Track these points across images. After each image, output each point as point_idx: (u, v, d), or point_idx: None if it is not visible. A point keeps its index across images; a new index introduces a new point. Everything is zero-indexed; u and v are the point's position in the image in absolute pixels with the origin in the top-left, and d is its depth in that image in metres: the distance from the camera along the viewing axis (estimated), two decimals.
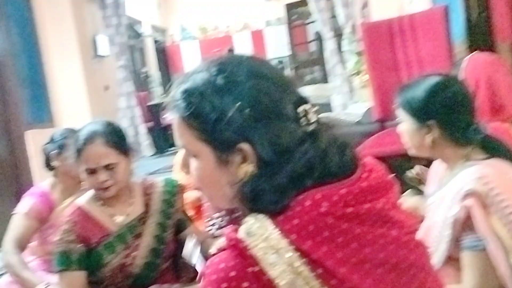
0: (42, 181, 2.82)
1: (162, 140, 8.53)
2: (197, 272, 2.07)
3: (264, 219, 0.85)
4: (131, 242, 1.98)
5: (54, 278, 2.42)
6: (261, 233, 0.84)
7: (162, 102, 5.43)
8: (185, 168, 0.97)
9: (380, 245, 0.87)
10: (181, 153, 3.30)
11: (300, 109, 0.90)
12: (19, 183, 4.86)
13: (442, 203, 1.59)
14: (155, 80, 10.87)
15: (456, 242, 1.52)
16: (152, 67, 11.02)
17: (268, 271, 0.82)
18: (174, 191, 2.12)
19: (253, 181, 0.87)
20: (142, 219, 2.03)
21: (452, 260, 1.53)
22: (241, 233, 0.85)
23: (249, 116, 0.87)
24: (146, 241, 2.00)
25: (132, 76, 7.94)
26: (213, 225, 2.22)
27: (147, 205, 2.05)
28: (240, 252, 0.84)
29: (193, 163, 0.95)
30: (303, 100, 0.92)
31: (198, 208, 2.54)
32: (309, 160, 0.87)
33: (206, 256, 2.04)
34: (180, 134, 0.94)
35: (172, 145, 9.23)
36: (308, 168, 0.87)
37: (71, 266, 1.92)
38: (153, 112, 8.48)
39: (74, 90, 5.97)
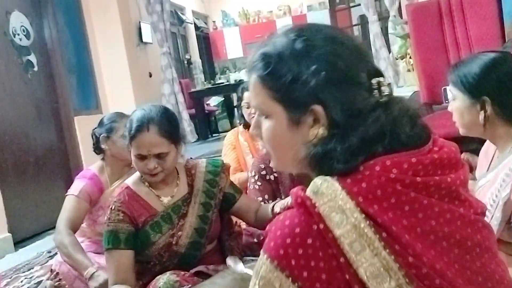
0: (90, 165, 2.90)
1: (204, 126, 8.61)
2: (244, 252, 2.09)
3: (332, 180, 0.87)
4: (176, 222, 2.02)
5: (103, 260, 2.50)
6: (328, 193, 0.85)
7: (205, 89, 5.54)
8: (257, 130, 0.99)
9: (446, 220, 0.87)
10: (234, 132, 3.38)
11: (374, 80, 0.91)
12: (68, 167, 5.01)
13: (493, 185, 1.54)
14: (197, 67, 10.96)
15: (506, 225, 1.48)
16: (194, 54, 11.11)
17: (333, 230, 0.84)
18: (217, 171, 2.14)
19: (323, 143, 0.89)
20: (186, 199, 2.06)
21: (502, 243, 1.49)
22: (309, 192, 0.87)
23: (324, 79, 0.89)
24: (190, 221, 2.03)
25: (174, 62, 8.03)
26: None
27: (191, 186, 2.08)
28: (306, 209, 0.86)
29: (265, 124, 0.97)
30: (377, 72, 0.94)
31: (246, 190, 2.56)
32: (381, 126, 0.88)
33: (261, 223, 2.06)
34: (255, 94, 0.96)
35: (214, 131, 9.33)
36: (379, 134, 0.88)
37: (119, 245, 1.96)
38: (195, 99, 8.57)
39: (119, 76, 6.08)
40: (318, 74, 0.89)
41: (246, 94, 3.10)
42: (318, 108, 0.89)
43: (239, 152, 3.26)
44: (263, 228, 1.63)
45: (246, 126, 3.16)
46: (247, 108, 3.10)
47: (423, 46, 3.62)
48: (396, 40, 6.34)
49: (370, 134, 0.87)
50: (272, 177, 2.39)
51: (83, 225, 2.75)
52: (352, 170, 0.87)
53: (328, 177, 0.88)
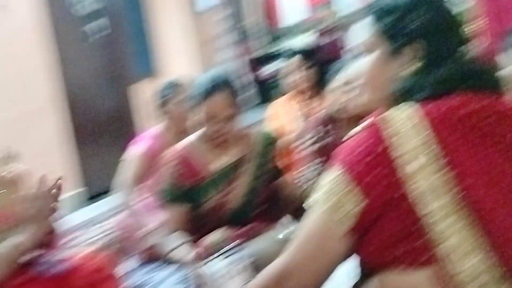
0: (150, 128, 3.04)
1: (262, 92, 8.63)
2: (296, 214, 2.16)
3: (410, 105, 1.01)
4: (226, 186, 2.12)
5: (164, 215, 2.65)
6: (401, 117, 1.00)
7: (263, 55, 5.51)
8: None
9: (509, 171, 0.99)
10: (277, 102, 3.42)
11: (463, 46, 1.08)
12: (127, 133, 5.22)
13: None
14: (256, 33, 10.92)
15: None
16: (254, 19, 11.04)
17: (398, 147, 0.98)
18: (268, 141, 2.23)
19: (415, 76, 1.05)
20: (238, 164, 2.15)
21: None
22: (379, 118, 1.02)
23: (429, 21, 1.05)
24: (241, 185, 2.12)
25: (233, 28, 8.05)
26: (303, 176, 2.30)
27: (243, 152, 2.16)
28: (375, 130, 1.00)
29: (367, 59, 1.13)
30: (468, 40, 1.11)
31: (288, 155, 2.62)
32: (467, 68, 1.05)
33: (289, 204, 2.15)
34: (368, 30, 1.13)
35: (271, 98, 9.29)
36: (464, 74, 1.04)
37: (176, 201, 2.09)
38: (253, 65, 8.57)
39: (177, 43, 6.17)
40: (425, 15, 1.05)
41: (292, 60, 3.17)
42: (419, 44, 1.05)
43: (283, 120, 3.28)
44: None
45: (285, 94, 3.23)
46: (291, 74, 3.16)
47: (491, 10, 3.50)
48: (459, 4, 6.08)
49: (456, 72, 1.03)
50: (325, 142, 2.43)
51: (148, 182, 2.92)
52: (433, 99, 1.01)
53: (405, 105, 1.02)
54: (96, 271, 1.97)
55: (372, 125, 1.02)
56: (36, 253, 1.99)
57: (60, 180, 1.76)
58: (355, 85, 1.20)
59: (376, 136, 0.99)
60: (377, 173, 0.97)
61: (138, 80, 5.38)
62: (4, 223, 1.84)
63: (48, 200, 1.74)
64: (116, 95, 5.18)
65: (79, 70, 4.73)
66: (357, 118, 2.25)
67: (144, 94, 5.06)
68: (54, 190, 1.75)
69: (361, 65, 1.18)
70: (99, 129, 4.91)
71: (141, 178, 2.80)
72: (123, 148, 4.99)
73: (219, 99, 2.02)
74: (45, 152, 4.00)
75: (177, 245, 1.97)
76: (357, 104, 1.21)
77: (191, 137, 2.22)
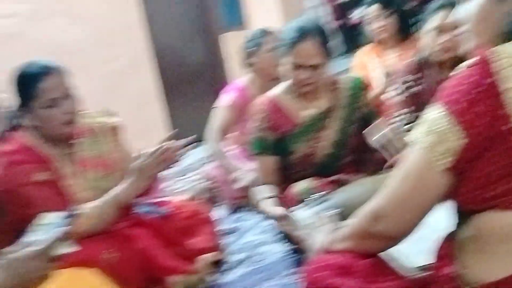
0: (237, 79, 3.07)
1: (349, 39, 8.41)
2: (379, 166, 2.13)
3: None
4: (315, 134, 2.11)
5: (252, 165, 2.71)
6: (509, 51, 0.99)
7: (350, 0, 5.24)
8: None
9: None
10: (361, 51, 3.32)
11: None
12: (215, 83, 5.31)
13: None
14: None
15: None
16: None
17: (504, 84, 0.97)
18: (359, 87, 2.17)
19: None
20: (327, 113, 2.12)
21: None
22: (490, 49, 1.00)
23: None
24: (330, 134, 2.11)
25: None
26: (400, 121, 2.23)
27: (333, 100, 2.13)
28: (482, 65, 1.00)
29: (475, 1, 1.11)
30: None
31: (378, 106, 2.56)
32: None
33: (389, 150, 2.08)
34: None
35: (360, 45, 9.03)
36: None
37: (265, 151, 2.12)
38: (340, 11, 8.34)
39: None
40: None
41: (371, 9, 3.05)
42: None
43: (369, 69, 3.19)
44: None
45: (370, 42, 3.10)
46: (372, 23, 3.04)
47: None
48: None
49: None
50: (414, 90, 2.36)
51: (235, 134, 2.98)
52: None
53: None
54: (193, 215, 2.08)
55: (480, 59, 1.01)
56: (137, 198, 2.13)
57: (172, 145, 1.88)
58: (462, 29, 1.13)
59: (484, 70, 0.99)
60: (480, 110, 0.98)
61: (226, 31, 5.42)
62: (103, 169, 1.96)
63: (156, 163, 1.86)
64: (205, 47, 5.26)
65: (168, 24, 4.83)
66: (451, 62, 2.16)
67: (232, 45, 5.10)
68: (162, 154, 1.86)
69: (468, 8, 1.12)
70: (189, 80, 5.03)
71: (227, 129, 2.87)
72: (212, 99, 5.12)
73: (308, 47, 1.99)
74: (138, 105, 4.18)
75: (266, 196, 2.01)
76: (464, 49, 1.15)
77: (280, 87, 2.22)
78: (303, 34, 1.99)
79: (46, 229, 1.15)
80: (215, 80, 5.31)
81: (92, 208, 1.82)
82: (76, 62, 3.59)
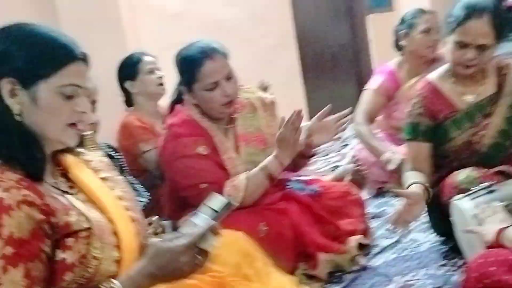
0: (381, 62, 3.00)
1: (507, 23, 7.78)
2: None
3: None
4: (479, 121, 1.97)
5: (397, 149, 2.65)
6: None
7: None
8: None
9: None
10: None
11: None
12: (359, 65, 5.23)
13: None
14: None
15: None
16: None
17: None
18: None
19: None
20: (493, 99, 1.98)
21: None
22: None
23: None
24: (496, 122, 1.96)
25: None
26: None
27: (500, 86, 1.99)
28: None
29: None
30: None
31: None
32: None
33: None
34: None
35: None
36: None
37: (418, 137, 2.04)
38: None
39: None
40: None
41: None
42: None
43: None
44: None
45: None
46: None
47: None
48: None
49: None
50: None
51: (379, 117, 2.93)
52: None
53: None
54: (343, 195, 2.09)
55: None
56: (286, 173, 2.18)
57: (300, 111, 1.86)
58: None
59: None
60: None
61: (372, 12, 5.29)
62: (261, 144, 2.04)
63: (293, 130, 1.87)
64: (349, 28, 5.18)
65: (310, 5, 4.82)
66: None
67: (378, 27, 4.98)
68: (296, 121, 1.86)
69: None
70: (331, 62, 5.01)
71: (373, 112, 2.82)
72: (353, 82, 5.06)
73: (478, 25, 1.86)
74: (283, 83, 4.25)
75: (413, 181, 1.94)
76: None
77: (438, 71, 2.11)
78: (474, 11, 1.86)
79: (207, 214, 1.19)
80: (357, 63, 5.22)
81: (242, 180, 1.89)
82: (232, 39, 3.76)
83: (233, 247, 1.47)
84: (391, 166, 2.51)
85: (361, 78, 5.00)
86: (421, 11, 2.80)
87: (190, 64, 1.91)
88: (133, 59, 2.61)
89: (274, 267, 1.52)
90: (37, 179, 1.08)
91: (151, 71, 2.58)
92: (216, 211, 1.19)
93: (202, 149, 1.91)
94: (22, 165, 1.06)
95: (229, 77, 1.92)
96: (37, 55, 1.09)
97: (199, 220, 1.18)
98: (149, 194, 2.21)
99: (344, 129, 1.98)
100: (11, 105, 1.08)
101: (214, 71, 1.89)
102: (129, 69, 2.58)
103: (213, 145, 1.95)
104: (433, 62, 2.74)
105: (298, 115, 1.86)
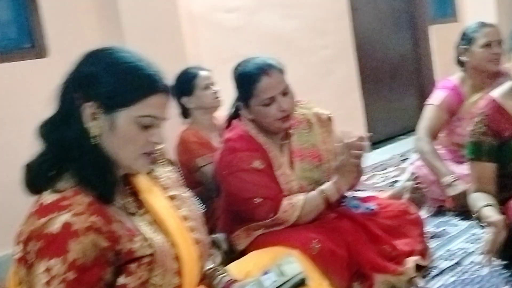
0: (443, 75, 2.92)
1: None
2: None
3: None
4: None
5: (458, 169, 2.56)
6: None
7: None
8: None
9: None
10: None
11: None
12: (421, 77, 5.10)
13: None
14: None
15: None
16: None
17: None
18: None
19: None
20: None
21: None
22: None
23: None
24: None
25: None
26: None
27: None
28: None
29: None
30: None
31: None
32: None
33: None
34: None
35: None
36: None
37: (481, 157, 1.96)
38: None
39: None
40: None
41: None
42: None
43: None
44: None
45: None
46: None
47: None
48: None
49: None
50: None
51: (441, 134, 2.84)
52: None
53: None
54: (401, 214, 2.03)
55: None
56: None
57: (362, 138, 1.83)
58: None
59: None
60: None
61: (435, 23, 5.17)
62: (316, 160, 2.02)
63: (353, 157, 1.84)
64: (410, 39, 5.07)
65: (372, 13, 4.75)
66: None
67: (441, 38, 4.86)
68: (358, 147, 1.83)
69: None
70: (390, 73, 4.91)
71: (435, 129, 2.75)
72: (414, 94, 4.95)
73: None
74: (340, 94, 4.22)
75: (483, 204, 1.87)
76: None
77: (503, 87, 2.03)
78: None
79: (277, 277, 1.18)
80: (418, 74, 5.10)
81: (299, 200, 1.88)
82: (290, 51, 3.80)
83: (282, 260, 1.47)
84: (451, 192, 2.43)
85: (422, 90, 4.89)
86: (482, 25, 2.71)
87: (246, 80, 1.93)
88: (189, 75, 2.66)
89: (328, 286, 1.50)
90: (107, 201, 1.11)
91: (207, 87, 2.63)
92: (287, 278, 1.16)
93: (257, 164, 1.92)
94: (94, 188, 1.09)
95: (285, 92, 1.92)
96: (123, 83, 1.12)
97: (267, 283, 1.16)
98: (204, 206, 2.23)
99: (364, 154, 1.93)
100: (89, 128, 1.12)
101: (270, 87, 1.90)
102: (185, 85, 2.63)
103: (268, 160, 1.95)
104: (497, 76, 2.65)
105: (361, 141, 1.83)
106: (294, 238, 1.77)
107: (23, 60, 2.71)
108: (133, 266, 1.09)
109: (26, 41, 2.74)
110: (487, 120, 1.96)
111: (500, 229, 1.75)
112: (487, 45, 2.66)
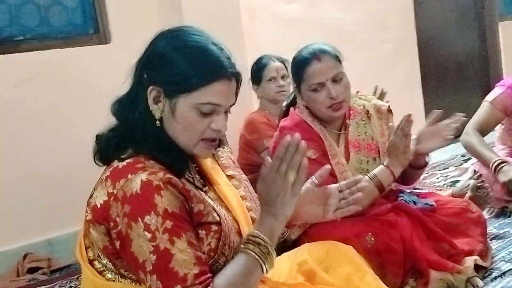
0: (509, 75, 2.78)
1: None
2: None
3: None
4: None
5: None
6: None
7: None
8: None
9: None
10: None
11: None
12: (488, 75, 4.89)
13: None
14: None
15: None
16: None
17: None
18: None
19: None
20: None
21: None
22: None
23: None
24: None
25: None
26: None
27: None
28: None
29: None
30: None
31: None
32: None
33: None
34: None
35: None
36: None
37: None
38: None
39: None
40: None
41: None
42: None
43: None
44: None
45: None
46: None
47: None
48: None
49: None
50: None
51: (503, 133, 2.73)
52: None
53: None
54: (462, 212, 1.95)
55: None
56: (399, 185, 2.08)
57: (409, 116, 1.77)
58: None
59: None
60: None
61: (505, 19, 4.94)
62: (373, 152, 1.96)
63: (403, 137, 1.79)
64: (477, 35, 4.87)
65: (437, 8, 4.59)
66: None
67: (508, 35, 4.64)
68: (405, 126, 1.78)
69: None
70: (455, 70, 4.75)
71: (484, 126, 2.65)
72: (480, 93, 4.75)
73: None
74: (401, 90, 4.09)
75: None
76: None
77: None
78: None
79: None
80: (485, 73, 4.90)
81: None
82: (351, 44, 3.71)
83: (344, 258, 1.44)
84: (502, 178, 2.35)
85: (489, 90, 4.66)
86: None
87: (299, 64, 1.93)
88: (260, 64, 2.76)
89: (382, 281, 1.45)
90: (178, 175, 1.12)
91: (272, 79, 2.70)
92: None
93: (311, 153, 1.88)
94: (165, 164, 1.10)
95: (336, 80, 1.88)
96: (186, 68, 1.11)
97: None
98: None
99: (455, 133, 1.85)
100: (154, 111, 1.13)
101: (319, 72, 1.87)
102: (254, 74, 2.75)
103: (323, 149, 1.92)
104: None
105: (407, 121, 1.77)
106: (349, 230, 1.71)
107: (87, 46, 2.78)
108: (202, 233, 1.10)
109: (90, 27, 2.81)
110: None
111: None
112: None
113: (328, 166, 1.39)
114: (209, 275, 1.05)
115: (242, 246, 1.11)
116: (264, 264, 1.10)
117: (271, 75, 2.72)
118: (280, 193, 1.11)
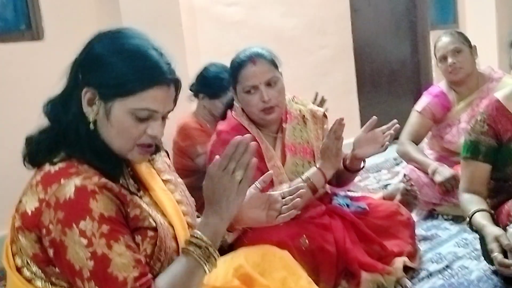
0: (441, 81, 2.90)
1: None
2: None
3: None
4: None
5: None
6: None
7: None
8: None
9: None
10: None
11: None
12: (419, 83, 5.07)
13: None
14: None
15: None
16: None
17: None
18: None
19: None
20: None
21: None
22: None
23: None
24: None
25: None
26: None
27: None
28: None
29: None
30: None
31: None
32: None
33: None
34: None
35: None
36: None
37: (478, 156, 1.95)
38: None
39: None
40: None
41: None
42: None
43: None
44: None
45: None
46: None
47: None
48: None
49: None
50: None
51: (431, 139, 2.86)
52: None
53: None
54: (392, 215, 2.02)
55: None
56: (333, 188, 2.13)
57: (341, 120, 1.82)
58: None
59: None
60: None
61: (436, 29, 5.15)
62: (308, 156, 2.00)
63: (335, 140, 1.83)
64: (410, 44, 5.05)
65: (372, 16, 4.73)
66: None
67: None
68: (337, 130, 1.82)
69: None
70: (388, 77, 4.89)
71: (417, 135, 2.78)
72: (410, 100, 4.92)
73: None
74: (336, 95, 4.19)
75: (476, 208, 1.85)
76: None
77: (506, 89, 2.02)
78: None
79: None
80: (417, 79, 5.08)
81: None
82: (290, 48, 3.78)
83: (279, 262, 1.47)
84: (438, 178, 2.45)
85: (420, 96, 4.85)
86: (439, 38, 2.78)
87: (235, 66, 1.95)
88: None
89: (316, 283, 1.48)
90: (113, 179, 1.09)
91: None
92: None
93: None
94: (98, 169, 1.07)
95: (270, 84, 1.91)
96: (122, 73, 1.08)
97: None
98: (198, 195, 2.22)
99: (391, 140, 1.92)
100: (87, 113, 1.09)
101: (253, 75, 1.89)
102: (204, 88, 2.63)
103: (259, 152, 1.93)
104: (486, 81, 2.70)
105: (340, 124, 1.82)
106: (285, 233, 1.74)
107: (18, 42, 2.67)
108: (138, 238, 1.08)
109: (22, 23, 2.70)
110: (489, 119, 1.93)
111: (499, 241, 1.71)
112: (444, 58, 2.70)
113: (271, 172, 1.41)
114: (149, 276, 1.04)
115: (183, 247, 1.11)
116: (206, 265, 1.09)
117: None
118: (226, 192, 1.10)
